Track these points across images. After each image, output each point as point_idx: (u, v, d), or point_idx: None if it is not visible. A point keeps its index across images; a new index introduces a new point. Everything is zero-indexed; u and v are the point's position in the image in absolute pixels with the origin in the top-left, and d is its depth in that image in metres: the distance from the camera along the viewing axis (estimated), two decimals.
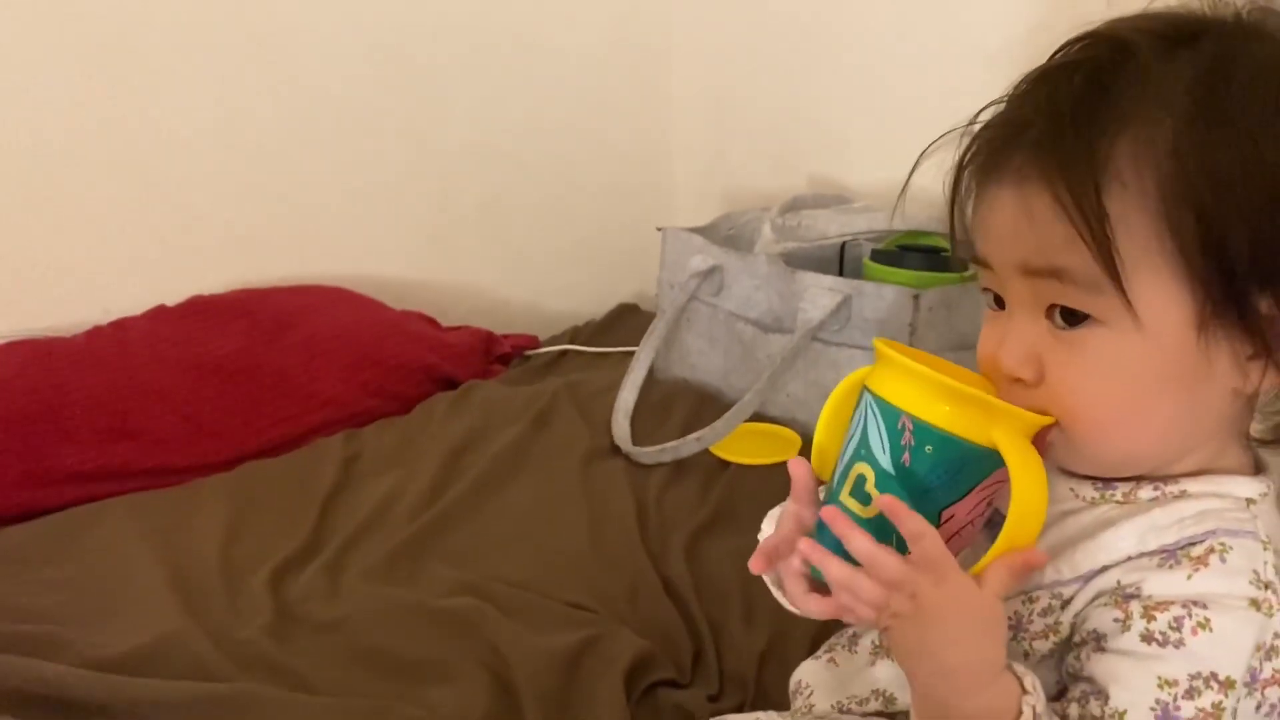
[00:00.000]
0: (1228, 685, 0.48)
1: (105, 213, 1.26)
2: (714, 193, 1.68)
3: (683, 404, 1.27)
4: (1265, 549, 0.50)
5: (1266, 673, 0.48)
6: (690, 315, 1.33)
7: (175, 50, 1.26)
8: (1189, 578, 0.49)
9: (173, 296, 1.28)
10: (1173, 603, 0.49)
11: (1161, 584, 0.50)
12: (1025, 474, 0.49)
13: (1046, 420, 0.51)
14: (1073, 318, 0.50)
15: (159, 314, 1.25)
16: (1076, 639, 0.53)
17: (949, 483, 0.50)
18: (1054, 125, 0.49)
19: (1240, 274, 0.48)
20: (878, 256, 1.27)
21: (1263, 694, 0.48)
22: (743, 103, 1.64)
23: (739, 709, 0.80)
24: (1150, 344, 0.49)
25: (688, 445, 1.14)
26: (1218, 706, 0.47)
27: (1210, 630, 0.48)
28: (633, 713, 0.79)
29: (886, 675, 0.62)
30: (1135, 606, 0.50)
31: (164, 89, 1.26)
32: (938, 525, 0.50)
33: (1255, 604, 0.49)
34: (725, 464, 1.14)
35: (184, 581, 0.93)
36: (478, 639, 0.85)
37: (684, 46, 1.67)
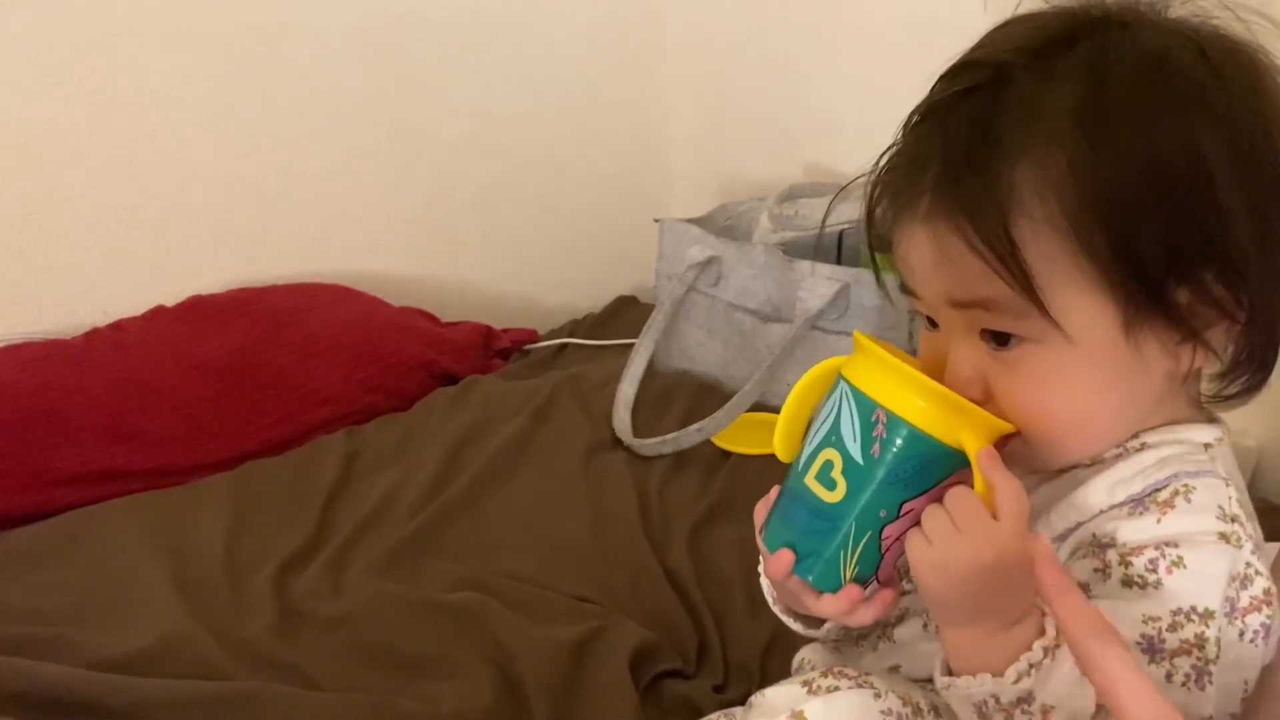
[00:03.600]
0: (1207, 617, 0.49)
1: (102, 214, 1.25)
2: (710, 183, 1.68)
3: (683, 395, 1.27)
4: (1227, 485, 0.53)
5: (1244, 601, 0.50)
6: (689, 306, 1.32)
7: (170, 49, 1.26)
8: (1159, 521, 0.52)
9: (171, 297, 1.27)
10: (1146, 546, 0.51)
11: (1134, 530, 0.52)
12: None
13: (1009, 428, 0.53)
14: (1006, 339, 0.52)
15: (158, 315, 1.24)
16: None
17: (914, 477, 0.52)
18: (950, 167, 0.51)
19: (1155, 273, 0.49)
20: None
21: (1243, 621, 0.50)
22: (738, 93, 1.64)
23: (744, 699, 0.80)
24: (1083, 353, 0.51)
25: (688, 436, 1.14)
26: (1200, 637, 0.49)
27: (1184, 567, 0.50)
28: (640, 703, 0.79)
29: (889, 658, 0.62)
30: (1112, 555, 0.52)
31: (159, 89, 1.26)
32: (898, 517, 0.52)
33: (1224, 537, 0.51)
34: (726, 454, 1.14)
35: (187, 581, 0.93)
36: (482, 633, 0.86)
37: (678, 37, 1.67)
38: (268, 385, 1.20)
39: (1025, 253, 0.49)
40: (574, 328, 1.54)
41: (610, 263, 1.68)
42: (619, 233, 1.68)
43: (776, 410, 1.20)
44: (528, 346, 1.48)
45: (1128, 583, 0.51)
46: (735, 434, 1.16)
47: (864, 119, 1.45)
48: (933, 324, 0.56)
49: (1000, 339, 0.52)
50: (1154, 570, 0.51)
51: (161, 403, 1.14)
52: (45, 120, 1.20)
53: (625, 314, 1.58)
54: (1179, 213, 0.48)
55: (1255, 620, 0.50)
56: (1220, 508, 0.52)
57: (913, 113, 0.55)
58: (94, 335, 1.20)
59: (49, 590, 0.92)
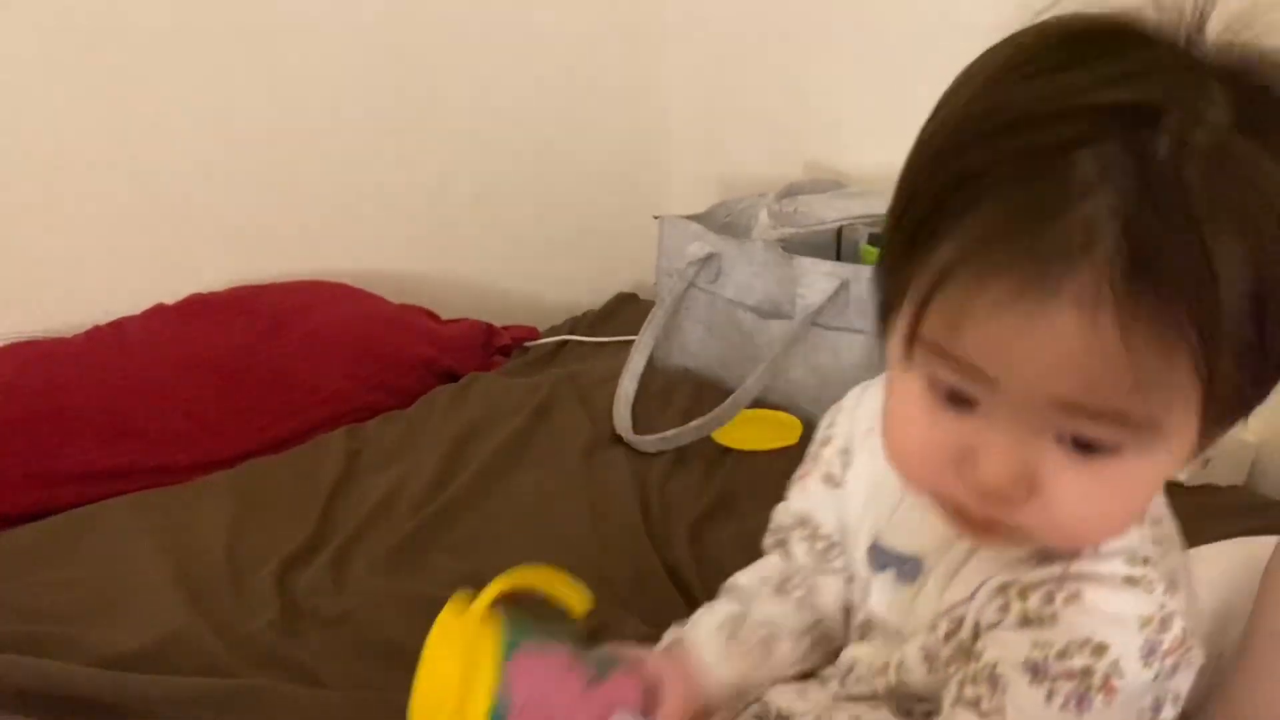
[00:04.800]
0: (1100, 651, 0.47)
1: (102, 213, 1.26)
2: (710, 180, 1.68)
3: (683, 392, 1.27)
4: (1141, 524, 0.50)
5: (1167, 643, 0.48)
6: (689, 303, 1.33)
7: (169, 47, 1.26)
8: (1066, 563, 0.49)
9: (171, 295, 1.28)
10: (1046, 582, 0.49)
11: (1037, 572, 0.50)
12: None
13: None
14: (1093, 444, 0.43)
15: (158, 313, 1.25)
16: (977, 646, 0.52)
17: None
18: (1160, 250, 0.38)
19: (1263, 390, 0.44)
20: (875, 240, 1.28)
21: (1163, 663, 0.48)
22: (738, 89, 1.64)
23: None
24: (1172, 460, 0.44)
25: (689, 433, 1.14)
26: (1088, 670, 0.47)
27: (1080, 601, 0.48)
28: None
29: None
30: (1012, 592, 0.50)
31: (158, 86, 1.26)
32: None
33: (1131, 580, 0.48)
34: (727, 451, 1.15)
35: (190, 578, 0.93)
36: None
37: (678, 33, 1.67)
38: (269, 383, 1.21)
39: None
40: (574, 325, 1.55)
41: (610, 259, 1.69)
42: (618, 229, 1.68)
43: (776, 406, 1.22)
44: (528, 344, 1.48)
45: (1024, 620, 0.49)
46: (735, 430, 1.16)
47: (864, 116, 1.46)
48: (956, 400, 0.45)
49: (1088, 444, 0.43)
50: (1049, 603, 0.49)
51: (163, 401, 1.14)
52: (46, 118, 1.20)
53: (625, 311, 1.58)
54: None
55: (1171, 661, 0.48)
56: (1131, 550, 0.49)
57: (1010, 122, 0.41)
58: (95, 334, 1.20)
59: (52, 588, 0.93)
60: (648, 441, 1.14)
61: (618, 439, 1.17)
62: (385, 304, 1.38)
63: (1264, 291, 0.39)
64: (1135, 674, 0.47)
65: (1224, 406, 0.42)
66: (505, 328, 1.48)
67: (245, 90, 1.33)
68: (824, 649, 0.66)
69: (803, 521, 0.66)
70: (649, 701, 0.62)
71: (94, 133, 1.23)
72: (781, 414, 1.20)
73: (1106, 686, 0.47)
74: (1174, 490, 1.13)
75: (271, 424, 1.19)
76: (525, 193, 1.61)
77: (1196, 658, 0.49)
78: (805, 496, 0.66)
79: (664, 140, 1.74)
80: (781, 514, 0.68)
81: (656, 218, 1.39)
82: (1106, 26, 0.42)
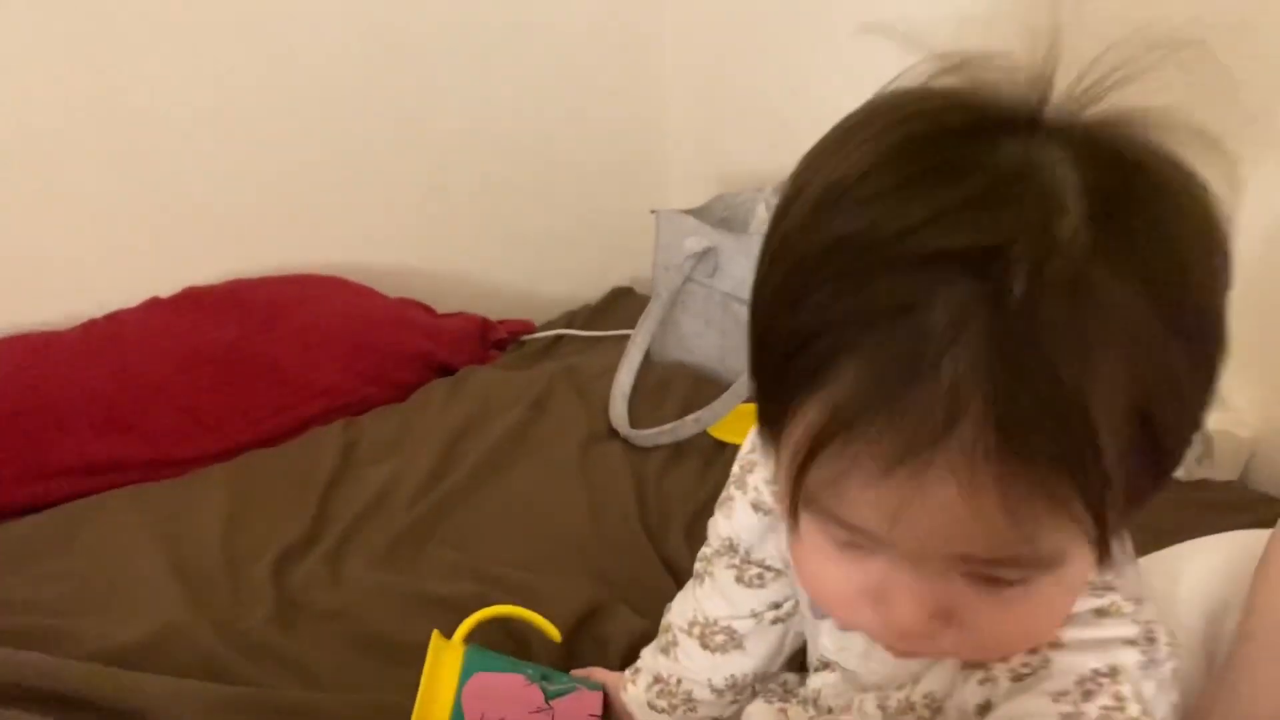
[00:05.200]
0: (1116, 674, 0.46)
1: (96, 205, 1.25)
2: (707, 174, 1.68)
3: (679, 386, 1.27)
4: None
5: (1161, 653, 0.48)
6: (685, 297, 1.33)
7: (164, 38, 1.25)
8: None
9: (166, 288, 1.27)
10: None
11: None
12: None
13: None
14: (1004, 580, 0.42)
15: (153, 306, 1.24)
16: None
17: None
18: (1017, 405, 0.36)
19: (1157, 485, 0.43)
20: None
21: (1161, 671, 0.48)
22: (736, 83, 1.64)
23: None
24: (1087, 564, 0.44)
25: (685, 427, 1.14)
26: (1119, 696, 0.46)
27: (1063, 645, 0.47)
28: None
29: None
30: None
31: (153, 78, 1.26)
32: None
33: (1100, 612, 0.48)
34: (723, 445, 1.15)
35: (186, 572, 0.93)
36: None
37: (676, 26, 1.67)
38: (264, 377, 1.20)
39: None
40: (570, 319, 1.54)
41: (606, 254, 1.68)
42: (615, 223, 1.67)
43: None
44: (524, 338, 1.48)
45: (1017, 678, 0.47)
46: (732, 424, 1.16)
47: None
48: (859, 543, 0.43)
49: (996, 578, 0.42)
50: (1035, 652, 0.47)
51: (158, 394, 1.14)
52: (40, 112, 1.19)
53: (621, 305, 1.58)
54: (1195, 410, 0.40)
55: (1169, 668, 0.48)
56: (1088, 582, 0.47)
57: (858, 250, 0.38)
58: (90, 327, 1.20)
59: (47, 581, 0.92)
60: (644, 436, 1.14)
61: (614, 433, 1.17)
62: (381, 298, 1.37)
63: (1150, 408, 0.38)
64: (1150, 690, 0.47)
65: (1127, 508, 0.41)
66: (501, 321, 1.48)
67: (243, 82, 1.32)
68: (747, 697, 0.67)
69: (731, 548, 0.65)
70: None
71: (88, 125, 1.23)
72: None
73: (1141, 711, 0.46)
74: (1170, 485, 1.13)
75: (267, 417, 1.19)
76: (522, 186, 1.61)
77: (1181, 652, 0.49)
78: (731, 523, 0.64)
79: (662, 134, 1.74)
80: (710, 538, 0.67)
81: (653, 212, 1.39)
82: (942, 126, 0.40)
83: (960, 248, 0.36)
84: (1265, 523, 0.67)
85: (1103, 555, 0.40)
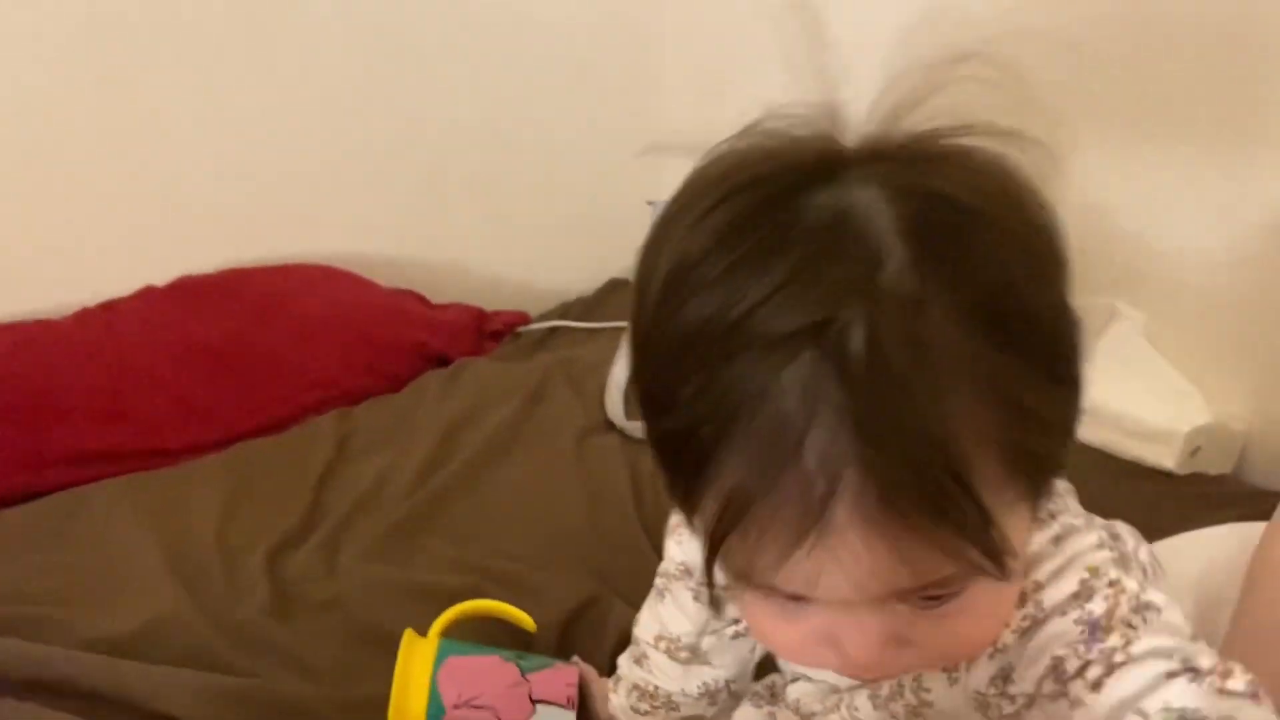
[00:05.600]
0: (1115, 585, 0.48)
1: (90, 194, 1.25)
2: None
3: None
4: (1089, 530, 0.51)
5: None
6: None
7: (160, 29, 1.25)
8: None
9: (160, 278, 1.27)
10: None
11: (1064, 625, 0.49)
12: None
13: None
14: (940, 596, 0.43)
15: (148, 295, 1.24)
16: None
17: None
18: (885, 465, 0.37)
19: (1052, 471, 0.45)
20: None
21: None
22: (734, 76, 1.63)
23: None
24: (1017, 571, 0.44)
25: None
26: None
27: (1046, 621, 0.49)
28: None
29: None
30: (1072, 667, 0.48)
31: (149, 68, 1.25)
32: None
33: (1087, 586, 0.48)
34: None
35: (181, 562, 0.93)
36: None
37: (675, 19, 1.66)
38: (259, 367, 1.20)
39: (994, 513, 0.40)
40: (565, 310, 1.54)
41: (602, 245, 1.67)
42: (611, 216, 1.66)
43: None
44: (519, 329, 1.48)
45: (1023, 632, 0.48)
46: None
47: (860, 101, 1.45)
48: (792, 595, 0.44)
49: (934, 596, 0.43)
50: (1023, 604, 0.48)
51: (153, 384, 1.14)
52: (37, 101, 1.19)
53: (617, 297, 1.57)
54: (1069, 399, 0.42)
55: (1144, 554, 0.51)
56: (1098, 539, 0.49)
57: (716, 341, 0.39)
58: (84, 315, 1.19)
59: (42, 571, 0.93)
60: (640, 427, 1.14)
61: (610, 425, 1.17)
62: (376, 288, 1.37)
63: (1013, 435, 0.39)
64: (1134, 584, 0.47)
65: (1041, 477, 0.43)
66: (496, 313, 1.48)
67: (239, 72, 1.32)
68: (725, 697, 0.67)
69: (687, 572, 0.64)
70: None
71: (83, 114, 1.22)
72: None
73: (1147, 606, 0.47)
74: (1163, 480, 1.13)
75: (262, 407, 1.18)
76: (517, 178, 1.60)
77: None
78: (683, 549, 0.64)
79: (658, 126, 1.74)
80: (666, 559, 0.67)
81: (650, 203, 1.39)
82: (762, 194, 0.41)
83: (796, 325, 0.37)
84: (1258, 516, 0.67)
85: (1002, 568, 0.40)
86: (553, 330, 1.48)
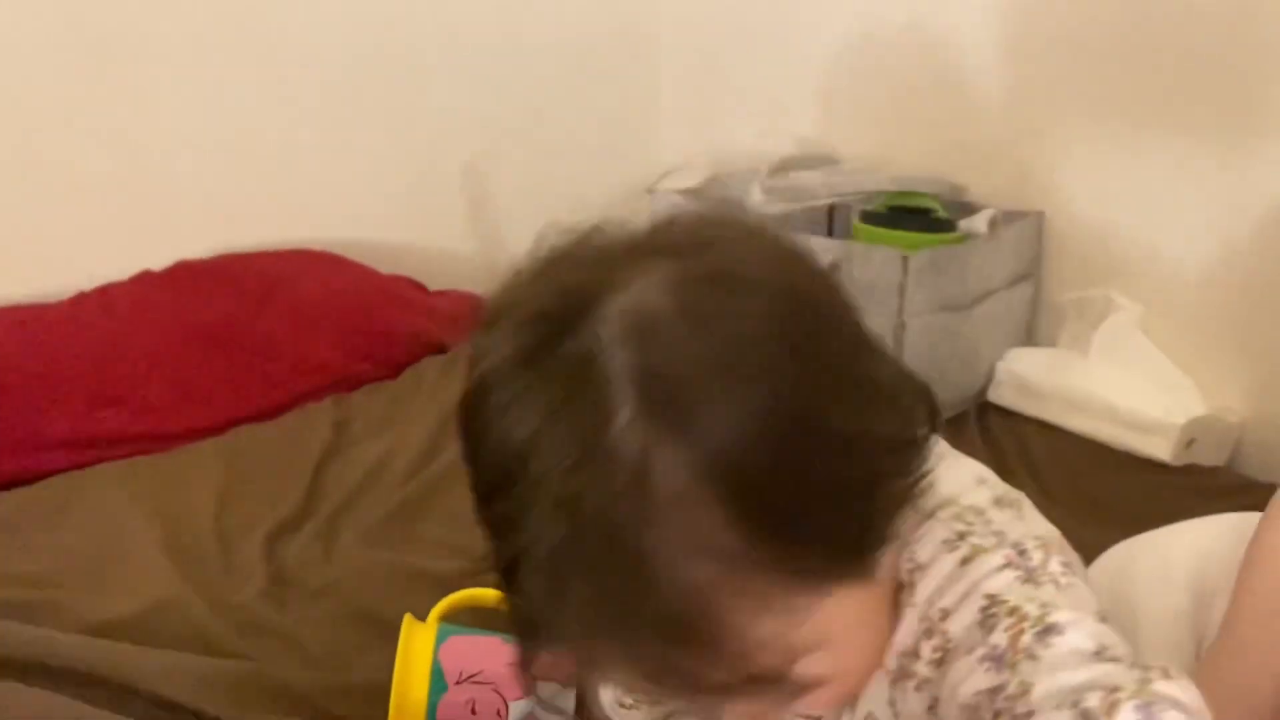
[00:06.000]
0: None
1: (87, 178, 1.24)
2: (700, 154, 1.67)
3: None
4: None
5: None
6: None
7: (157, 17, 1.24)
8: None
9: (157, 263, 1.26)
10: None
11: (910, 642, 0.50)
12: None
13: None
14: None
15: (144, 280, 1.24)
16: None
17: None
18: (637, 645, 0.40)
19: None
20: (867, 218, 1.27)
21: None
22: (730, 63, 1.63)
23: None
24: (877, 577, 0.46)
25: None
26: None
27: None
28: None
29: None
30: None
31: (146, 55, 1.25)
32: None
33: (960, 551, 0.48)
34: None
35: (178, 546, 0.94)
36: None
37: (671, 6, 1.66)
38: (256, 352, 1.20)
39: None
40: None
41: None
42: (608, 203, 1.67)
43: None
44: None
45: (936, 663, 0.47)
46: None
47: (857, 90, 1.45)
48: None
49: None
50: (930, 635, 0.47)
51: (150, 368, 1.14)
52: (33, 85, 1.19)
53: None
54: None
55: (1055, 565, 0.48)
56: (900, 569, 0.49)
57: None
58: (81, 299, 1.19)
59: (39, 554, 0.93)
60: None
61: None
62: (374, 274, 1.37)
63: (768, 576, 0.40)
64: (1047, 593, 0.47)
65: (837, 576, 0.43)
66: None
67: (236, 58, 1.31)
68: None
69: None
70: None
71: (81, 98, 1.22)
72: None
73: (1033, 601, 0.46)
74: (1158, 471, 1.14)
75: (259, 393, 1.18)
76: (514, 165, 1.60)
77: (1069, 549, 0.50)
78: None
79: (655, 114, 1.73)
80: None
81: (649, 192, 1.39)
82: (535, 338, 0.41)
83: (552, 496, 0.39)
84: (1253, 507, 0.67)
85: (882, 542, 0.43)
86: None
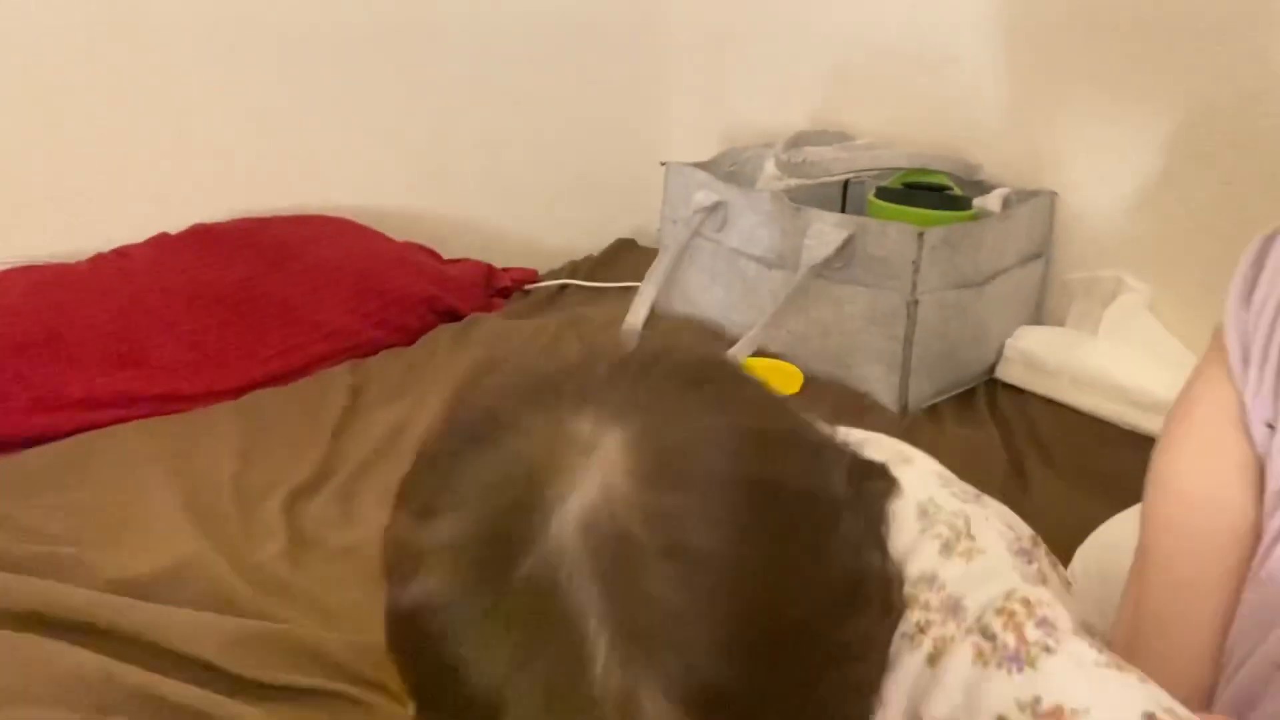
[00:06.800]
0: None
1: (106, 140, 1.24)
2: (712, 128, 1.67)
3: (686, 339, 1.28)
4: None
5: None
6: (692, 251, 1.33)
7: None
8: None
9: (173, 225, 1.27)
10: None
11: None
12: None
13: None
14: None
15: (161, 242, 1.24)
16: None
17: None
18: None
19: None
20: (882, 194, 1.28)
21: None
22: (742, 37, 1.63)
23: None
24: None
25: None
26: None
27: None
28: None
29: None
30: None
31: (164, 17, 1.24)
32: None
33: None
34: None
35: (198, 506, 0.94)
36: None
37: None
38: (272, 315, 1.21)
39: None
40: (574, 269, 1.55)
41: (610, 205, 1.68)
42: (619, 175, 1.67)
43: (777, 356, 1.23)
44: (528, 286, 1.48)
45: (932, 660, 0.46)
46: None
47: (870, 66, 1.45)
48: None
49: None
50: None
51: (167, 330, 1.14)
52: (52, 48, 1.18)
53: (624, 257, 1.58)
54: None
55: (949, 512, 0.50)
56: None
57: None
58: (99, 260, 1.19)
59: (59, 511, 0.93)
60: None
61: None
62: (388, 241, 1.37)
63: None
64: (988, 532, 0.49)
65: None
66: (506, 269, 1.48)
67: (253, 24, 1.31)
68: None
69: None
70: None
71: (100, 61, 1.21)
72: (783, 363, 1.22)
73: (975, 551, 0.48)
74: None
75: (275, 356, 1.19)
76: (527, 136, 1.60)
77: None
78: None
79: (667, 87, 1.73)
80: None
81: (663, 164, 1.39)
82: (500, 503, 0.39)
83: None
84: None
85: None
86: (561, 288, 1.48)
